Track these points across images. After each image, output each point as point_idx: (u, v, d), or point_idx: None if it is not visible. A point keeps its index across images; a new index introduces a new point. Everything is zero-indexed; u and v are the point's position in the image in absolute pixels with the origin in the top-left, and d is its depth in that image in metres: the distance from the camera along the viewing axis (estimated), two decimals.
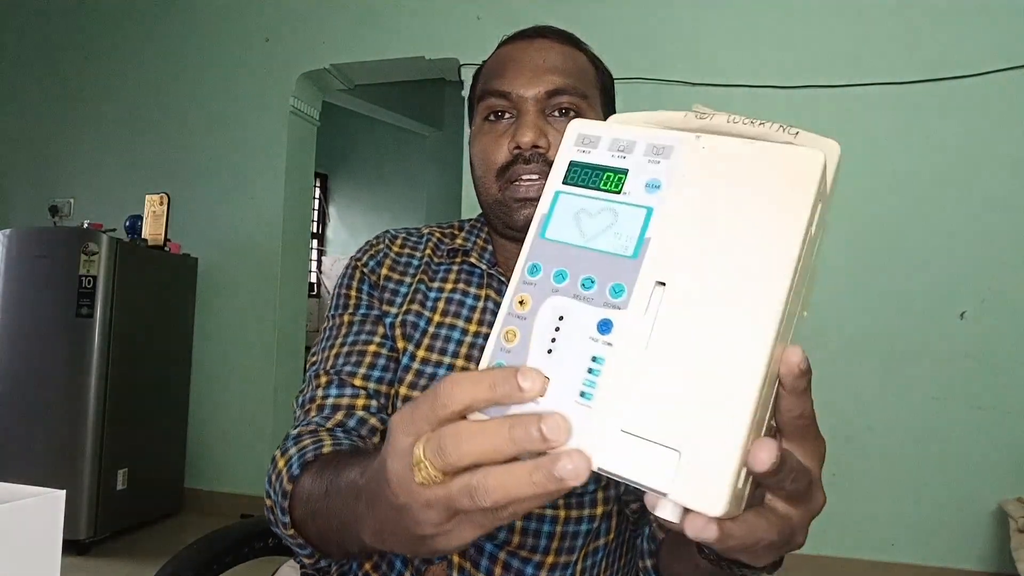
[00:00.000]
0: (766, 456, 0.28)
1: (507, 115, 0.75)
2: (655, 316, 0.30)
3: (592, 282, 0.32)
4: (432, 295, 0.76)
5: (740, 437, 0.28)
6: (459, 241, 0.80)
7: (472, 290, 0.77)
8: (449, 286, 0.77)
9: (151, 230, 3.16)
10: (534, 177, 0.72)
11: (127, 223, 3.15)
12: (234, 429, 3.27)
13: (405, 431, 0.33)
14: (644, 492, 0.29)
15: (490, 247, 0.80)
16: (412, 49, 3.19)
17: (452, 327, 0.74)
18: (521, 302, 0.33)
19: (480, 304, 0.76)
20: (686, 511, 0.29)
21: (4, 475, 2.61)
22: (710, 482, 0.28)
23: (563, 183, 0.35)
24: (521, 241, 0.76)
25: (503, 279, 0.76)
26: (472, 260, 0.78)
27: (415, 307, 0.75)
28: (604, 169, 0.34)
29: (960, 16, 2.60)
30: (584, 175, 0.35)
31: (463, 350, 0.73)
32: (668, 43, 2.88)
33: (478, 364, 0.73)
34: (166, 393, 3.17)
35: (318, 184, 5.61)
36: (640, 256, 0.32)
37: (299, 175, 3.45)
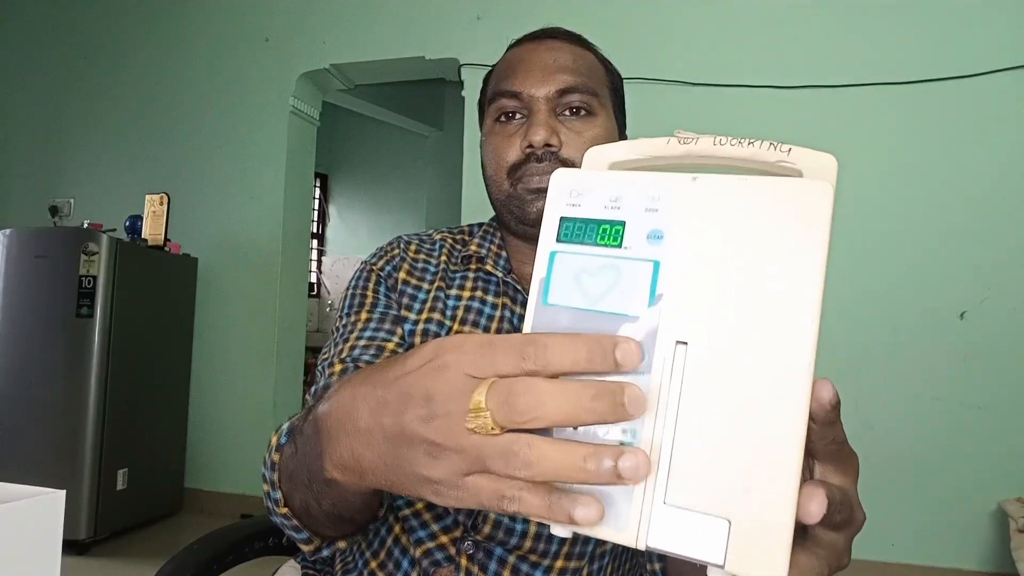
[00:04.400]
0: (816, 508, 0.28)
1: (518, 115, 0.75)
2: (682, 378, 0.28)
3: None
4: (451, 303, 0.76)
5: (790, 498, 0.27)
6: (473, 247, 0.80)
7: (489, 298, 0.76)
8: (467, 294, 0.77)
9: (151, 230, 3.16)
10: (547, 175, 0.71)
11: (127, 223, 3.15)
12: (234, 429, 3.27)
13: (471, 366, 0.30)
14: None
15: (504, 253, 0.80)
16: (412, 49, 3.19)
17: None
18: None
19: (498, 313, 0.75)
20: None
21: (4, 475, 2.61)
22: (767, 549, 0.26)
23: (557, 241, 0.32)
24: (535, 239, 0.76)
25: (518, 287, 0.76)
26: (488, 268, 0.77)
27: (436, 315, 0.75)
28: (599, 222, 0.32)
29: (960, 16, 2.60)
30: (578, 231, 0.32)
31: None
32: (668, 43, 2.88)
33: None
34: (166, 393, 3.17)
35: (318, 184, 5.61)
36: (659, 317, 0.29)
37: (299, 175, 3.45)
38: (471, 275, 0.78)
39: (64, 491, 0.43)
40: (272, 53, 3.38)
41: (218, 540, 0.80)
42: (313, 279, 5.66)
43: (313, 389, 0.71)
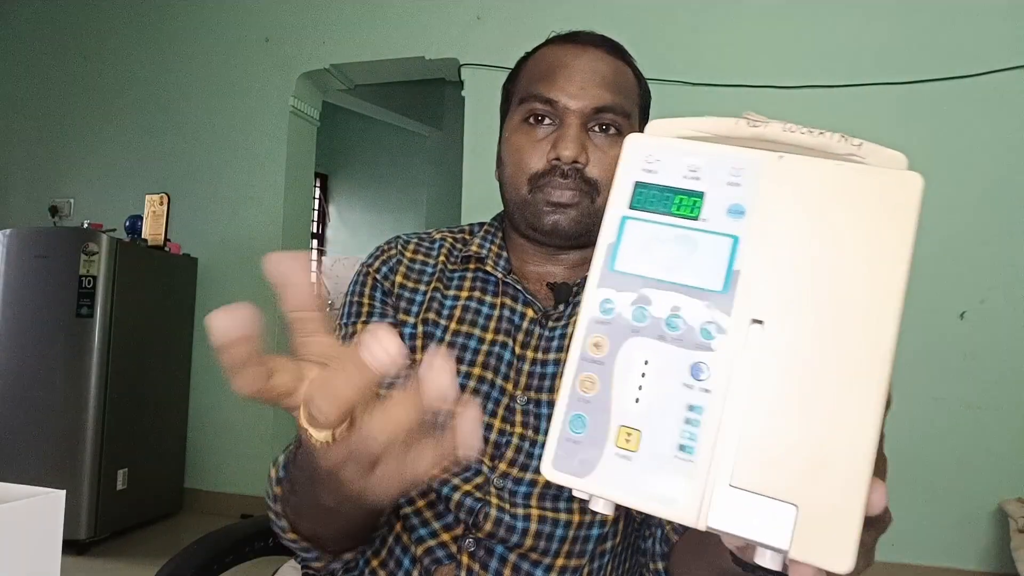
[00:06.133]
0: (878, 499, 0.27)
1: (547, 120, 0.74)
2: (755, 358, 0.28)
3: (679, 321, 0.29)
4: (448, 303, 0.75)
5: (863, 488, 0.26)
6: (474, 248, 0.79)
7: (488, 298, 0.76)
8: (464, 294, 0.76)
9: (151, 230, 3.16)
10: (569, 192, 0.72)
11: (127, 223, 3.15)
12: (234, 429, 3.27)
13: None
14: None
15: (505, 253, 0.79)
16: (412, 49, 3.19)
17: (469, 335, 0.73)
18: (596, 345, 0.30)
19: (496, 312, 0.75)
20: (791, 560, 0.27)
21: (4, 475, 2.61)
22: (835, 538, 0.26)
23: (630, 208, 0.31)
24: (543, 244, 0.76)
25: (518, 287, 0.76)
26: (488, 268, 0.77)
27: (431, 315, 0.74)
28: (676, 191, 0.30)
29: (960, 16, 2.60)
30: (653, 199, 0.31)
31: (479, 358, 0.72)
32: (668, 43, 2.88)
33: (495, 371, 0.73)
34: (166, 393, 3.17)
35: (318, 184, 5.61)
36: (731, 291, 0.28)
37: (299, 175, 3.45)
38: (469, 275, 0.78)
39: (64, 491, 0.43)
40: (272, 53, 3.38)
41: (218, 540, 0.80)
42: (313, 279, 5.66)
43: None
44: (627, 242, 0.30)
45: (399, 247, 0.80)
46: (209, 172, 3.41)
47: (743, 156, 0.31)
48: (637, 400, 0.29)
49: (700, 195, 0.30)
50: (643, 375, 0.29)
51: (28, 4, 3.86)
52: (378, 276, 0.77)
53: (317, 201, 5.67)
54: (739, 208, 0.30)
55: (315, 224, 5.67)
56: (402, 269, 0.78)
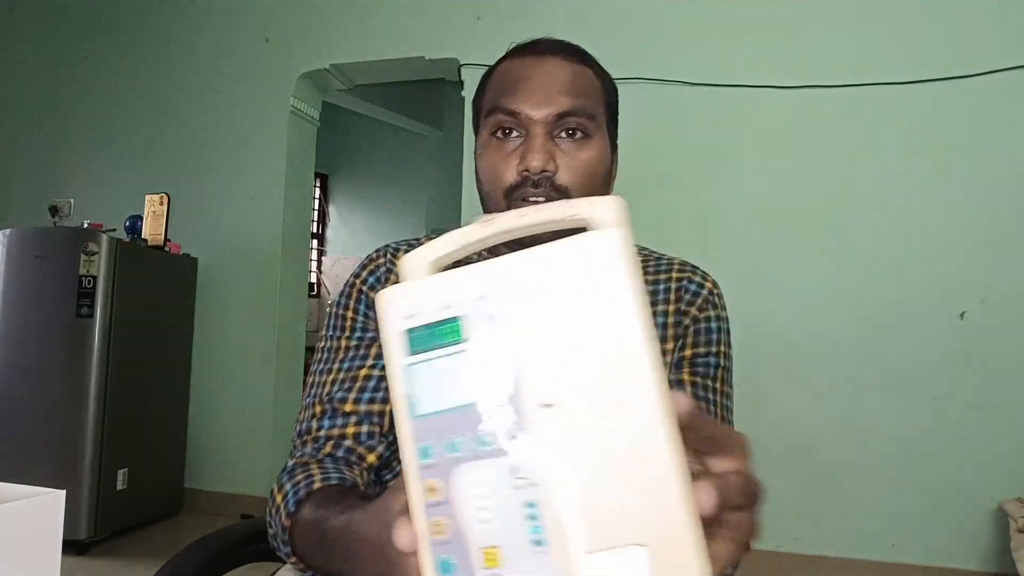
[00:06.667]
0: (706, 499, 0.29)
1: (514, 132, 0.76)
2: (558, 437, 0.30)
3: (486, 435, 0.31)
4: None
5: (685, 505, 0.29)
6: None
7: None
8: None
9: (151, 230, 3.16)
10: (542, 200, 0.73)
11: (127, 223, 3.15)
12: (234, 429, 3.27)
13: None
14: None
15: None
16: (412, 49, 3.19)
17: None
18: (431, 489, 0.32)
19: None
20: None
21: (4, 475, 2.61)
22: (685, 558, 0.28)
23: (408, 355, 0.33)
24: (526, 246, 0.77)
25: None
26: None
27: None
28: (437, 324, 0.33)
29: (960, 16, 2.60)
30: (422, 339, 0.33)
31: None
32: (668, 43, 2.88)
33: None
34: (166, 393, 3.17)
35: (318, 184, 5.61)
36: (516, 389, 0.31)
37: (299, 175, 3.45)
38: None
39: (64, 491, 0.43)
40: (272, 53, 3.38)
41: (216, 542, 0.80)
42: (313, 279, 5.66)
43: (298, 428, 0.77)
44: (417, 387, 0.33)
45: (388, 256, 0.82)
46: (209, 172, 3.41)
47: (475, 273, 0.33)
48: (483, 521, 0.31)
49: (457, 320, 0.33)
50: (479, 496, 0.31)
51: (28, 4, 3.86)
52: (364, 287, 0.80)
53: (317, 201, 5.67)
54: (493, 318, 0.32)
55: (315, 224, 5.67)
56: (393, 279, 0.79)
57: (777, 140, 2.74)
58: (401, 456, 0.33)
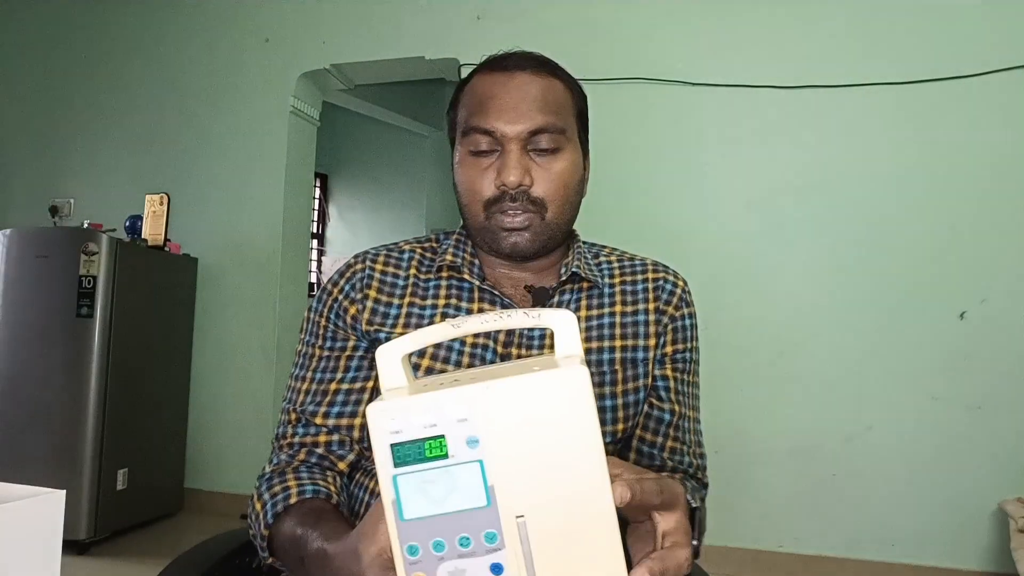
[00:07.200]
0: (626, 494, 0.39)
1: (490, 149, 0.78)
2: (530, 543, 0.37)
3: (468, 539, 0.37)
4: (427, 313, 0.80)
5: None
6: (448, 257, 0.83)
7: (464, 304, 0.80)
8: (442, 302, 0.81)
9: (151, 230, 3.16)
10: (519, 215, 0.77)
11: (127, 223, 3.15)
12: (234, 429, 3.27)
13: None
14: None
15: (477, 261, 0.84)
16: (412, 49, 3.19)
17: (451, 344, 0.77)
18: None
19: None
20: None
21: (4, 475, 2.61)
22: None
23: (394, 467, 0.38)
24: (506, 258, 0.81)
25: (495, 292, 0.80)
26: (465, 276, 0.81)
27: (411, 329, 0.78)
28: (423, 440, 0.38)
29: (960, 16, 2.60)
30: (409, 453, 0.38)
31: (464, 359, 0.77)
32: (668, 43, 2.88)
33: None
34: (166, 393, 3.17)
35: (318, 184, 5.61)
36: (493, 502, 0.37)
37: (299, 175, 3.45)
38: (444, 283, 0.82)
39: (64, 491, 0.43)
40: (272, 53, 3.38)
41: (214, 546, 0.80)
42: (313, 279, 5.66)
43: (276, 432, 0.81)
44: (405, 494, 0.38)
45: (368, 262, 0.84)
46: (209, 172, 3.41)
47: (462, 395, 0.38)
48: None
49: (442, 437, 0.38)
50: None
51: (28, 4, 3.86)
52: (340, 296, 0.82)
53: (317, 201, 5.67)
54: (474, 438, 0.38)
55: (315, 224, 5.67)
56: (375, 284, 0.82)
57: (776, 140, 2.74)
58: (393, 551, 0.38)
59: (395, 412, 0.38)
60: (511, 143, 0.76)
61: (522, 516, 0.37)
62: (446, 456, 0.37)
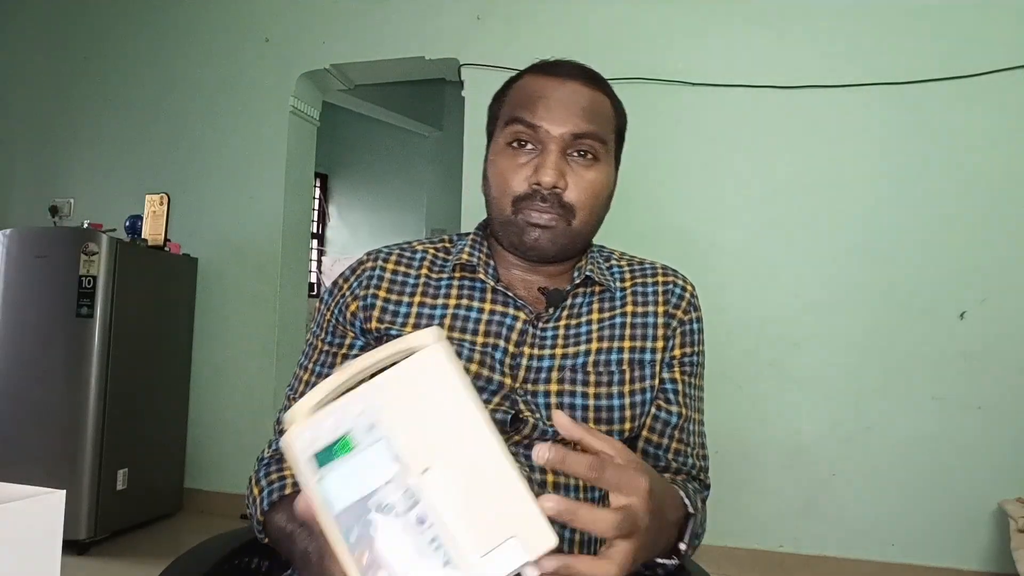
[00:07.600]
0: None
1: (529, 145, 0.79)
2: (441, 488, 0.43)
3: (391, 505, 0.43)
4: (437, 312, 0.80)
5: (529, 498, 0.43)
6: (464, 256, 0.83)
7: (476, 304, 0.81)
8: (453, 301, 0.81)
9: (151, 230, 3.16)
10: (547, 215, 0.78)
11: (127, 223, 3.15)
12: (234, 429, 3.26)
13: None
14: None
15: (492, 262, 0.84)
16: (412, 49, 3.19)
17: (460, 341, 0.78)
18: (361, 560, 0.42)
19: (485, 316, 0.80)
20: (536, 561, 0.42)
21: (4, 475, 2.61)
22: (540, 532, 0.42)
23: (319, 468, 0.45)
24: (524, 256, 0.83)
25: (508, 293, 0.81)
26: (480, 276, 0.82)
27: (422, 326, 0.79)
28: (333, 443, 0.45)
29: (960, 16, 2.60)
30: (326, 456, 0.45)
31: (476, 356, 0.77)
32: (668, 43, 2.88)
33: (491, 369, 0.83)
34: (166, 393, 3.17)
35: (318, 184, 5.61)
36: (402, 467, 0.44)
37: (299, 175, 3.45)
38: (456, 283, 0.83)
39: (64, 491, 0.43)
40: (272, 53, 3.38)
41: (213, 547, 0.80)
42: (313, 279, 5.66)
43: (278, 417, 0.82)
44: (332, 489, 0.44)
45: (379, 261, 0.85)
46: (209, 172, 3.41)
47: (356, 396, 0.47)
48: (403, 561, 0.42)
49: (347, 433, 0.45)
50: (396, 547, 0.42)
51: (28, 4, 3.86)
52: (347, 292, 0.83)
53: (317, 201, 5.67)
54: (371, 424, 0.45)
55: (315, 224, 5.67)
56: (385, 283, 0.82)
57: (776, 140, 2.74)
58: (333, 547, 0.43)
59: (306, 431, 0.46)
60: (552, 143, 0.77)
61: (428, 468, 0.43)
62: (352, 448, 0.45)
